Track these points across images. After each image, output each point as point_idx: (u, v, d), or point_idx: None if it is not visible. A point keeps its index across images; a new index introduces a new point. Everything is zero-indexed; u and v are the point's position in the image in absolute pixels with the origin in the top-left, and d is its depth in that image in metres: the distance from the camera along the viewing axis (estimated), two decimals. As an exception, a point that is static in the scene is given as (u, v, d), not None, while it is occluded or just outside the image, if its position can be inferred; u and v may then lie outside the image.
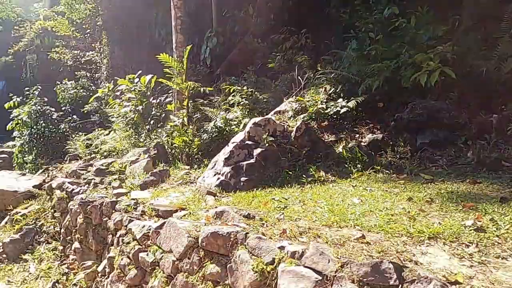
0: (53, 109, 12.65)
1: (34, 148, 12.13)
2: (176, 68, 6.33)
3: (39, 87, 13.21)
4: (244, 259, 2.38)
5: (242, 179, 4.44)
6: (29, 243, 5.81)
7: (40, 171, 9.43)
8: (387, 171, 4.22)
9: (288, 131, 4.82)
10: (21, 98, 12.65)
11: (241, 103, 7.03)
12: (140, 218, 3.81)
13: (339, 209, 3.08)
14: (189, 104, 6.60)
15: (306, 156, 4.65)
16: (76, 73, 24.17)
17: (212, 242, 2.60)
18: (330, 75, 6.06)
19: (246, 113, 7.01)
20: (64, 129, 12.55)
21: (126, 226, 3.79)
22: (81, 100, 19.77)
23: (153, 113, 7.54)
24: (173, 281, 2.78)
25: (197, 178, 5.30)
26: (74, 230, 4.91)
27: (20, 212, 6.35)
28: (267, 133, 4.71)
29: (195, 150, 6.46)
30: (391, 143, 4.78)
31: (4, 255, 5.67)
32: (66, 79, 22.62)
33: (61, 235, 5.43)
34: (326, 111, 5.52)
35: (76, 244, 4.60)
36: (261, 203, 3.79)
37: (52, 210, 5.91)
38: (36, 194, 6.77)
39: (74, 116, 13.65)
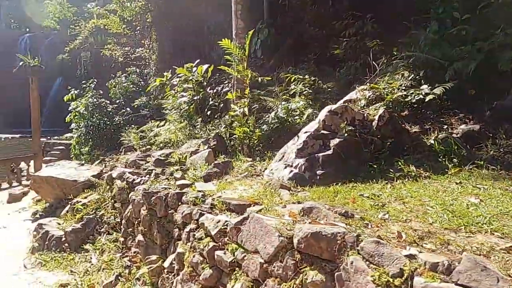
0: (108, 102, 12.81)
1: (90, 140, 12.34)
2: (237, 55, 5.96)
3: (95, 80, 13.45)
4: (359, 268, 1.91)
5: (318, 172, 3.97)
6: (90, 233, 5.70)
7: (97, 161, 9.49)
8: (493, 167, 3.57)
9: (368, 120, 4.28)
10: (78, 91, 12.92)
11: (304, 92, 6.55)
12: (211, 212, 3.44)
13: (458, 210, 2.52)
14: (249, 94, 6.21)
15: (390, 148, 4.09)
16: (126, 69, 24.69)
17: (313, 244, 2.16)
18: (408, 60, 5.41)
19: (309, 103, 6.52)
20: (118, 122, 12.68)
21: (196, 220, 3.44)
22: (131, 95, 20.18)
23: (210, 103, 7.23)
24: (262, 286, 2.36)
25: (263, 171, 4.90)
26: (136, 222, 4.68)
27: (80, 202, 6.28)
28: (345, 122, 4.20)
29: (255, 141, 6.07)
30: (490, 135, 4.10)
31: (66, 244, 5.59)
32: (121, 72, 23.05)
33: (122, 226, 5.25)
34: (407, 99, 4.90)
35: (140, 237, 4.35)
36: (347, 199, 3.30)
37: (112, 201, 5.77)
38: (96, 184, 6.68)
39: (128, 109, 13.75)
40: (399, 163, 3.81)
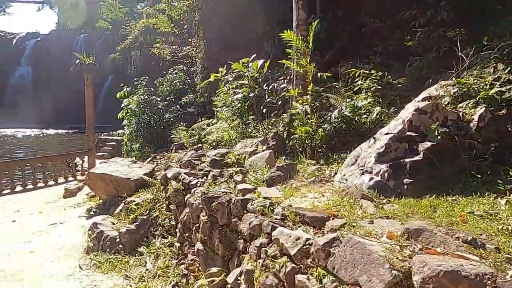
0: (158, 99, 12.78)
1: (141, 137, 12.36)
2: (300, 48, 5.45)
3: (146, 77, 13.49)
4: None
5: (406, 180, 3.38)
6: (144, 235, 5.45)
7: (149, 159, 9.38)
8: None
9: (464, 121, 3.61)
10: (130, 88, 13.01)
11: (372, 88, 5.91)
12: (285, 225, 2.97)
13: None
14: (313, 90, 5.68)
15: (494, 154, 3.41)
16: (173, 67, 24.94)
17: (447, 286, 1.61)
18: (501, 51, 4.64)
19: (377, 100, 5.88)
20: (168, 119, 12.61)
21: (268, 234, 2.99)
22: (178, 93, 20.31)
23: (267, 100, 6.78)
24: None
25: (333, 176, 4.36)
26: (194, 228, 4.33)
27: (134, 201, 6.08)
28: (436, 123, 3.56)
29: (318, 142, 5.54)
30: None
31: (121, 246, 5.38)
32: (172, 68, 23.26)
33: (177, 230, 4.93)
34: (504, 96, 4.15)
35: (199, 245, 3.99)
36: (451, 217, 2.70)
37: (167, 202, 5.49)
38: (149, 183, 6.46)
39: (177, 106, 13.66)
40: (510, 172, 3.13)
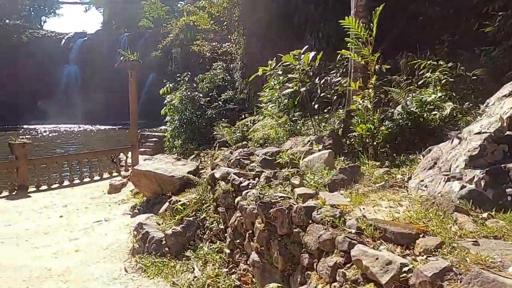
0: (200, 95, 12.56)
1: (183, 133, 12.20)
2: (362, 36, 4.88)
3: (189, 73, 13.33)
4: None
5: (509, 190, 2.76)
6: (191, 238, 5.13)
7: (192, 156, 9.13)
8: None
9: None
10: (173, 84, 12.89)
11: (443, 80, 5.22)
12: (364, 242, 2.47)
13: None
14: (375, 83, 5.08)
15: None
16: (213, 64, 24.86)
17: None
18: None
19: (451, 94, 5.19)
20: (211, 115, 12.36)
21: (344, 252, 2.50)
22: (217, 90, 20.13)
23: (322, 94, 6.25)
24: None
25: (406, 181, 3.78)
26: (247, 235, 3.92)
27: (180, 201, 5.78)
28: (547, 120, 2.91)
29: (381, 141, 4.95)
30: None
31: (167, 248, 5.09)
32: (212, 65, 23.15)
33: (227, 235, 4.55)
34: None
35: (254, 256, 3.57)
36: None
37: (215, 204, 5.12)
38: (195, 182, 6.14)
39: (220, 102, 13.39)
40: None
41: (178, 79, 12.85)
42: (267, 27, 19.27)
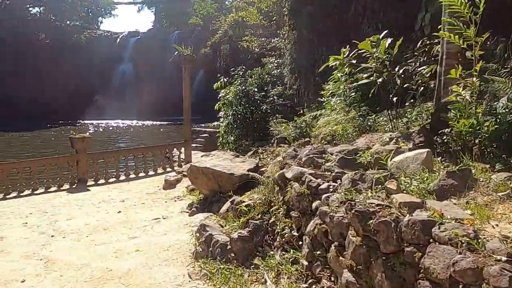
0: (255, 90, 12.09)
1: (236, 129, 11.81)
2: (465, 14, 4.07)
3: (243, 67, 12.92)
4: None
5: None
6: (259, 243, 4.62)
7: (250, 153, 8.67)
8: None
9: None
10: (228, 79, 12.55)
11: None
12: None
13: None
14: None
15: None
16: (262, 59, 24.41)
17: None
18: None
19: None
20: (265, 111, 11.86)
21: (502, 289, 1.83)
22: (267, 85, 19.62)
23: (403, 86, 5.47)
24: None
25: (541, 190, 2.99)
26: (333, 247, 3.32)
27: (243, 202, 5.30)
28: None
29: (485, 140, 4.13)
30: None
31: (232, 254, 4.62)
32: (260, 61, 22.85)
33: (303, 244, 3.98)
34: None
35: (348, 275, 2.97)
36: None
37: (285, 207, 4.58)
38: (260, 181, 5.62)
39: (275, 97, 12.85)
40: None
41: (232, 73, 12.48)
42: (320, 20, 18.46)
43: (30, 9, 45.09)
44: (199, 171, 7.50)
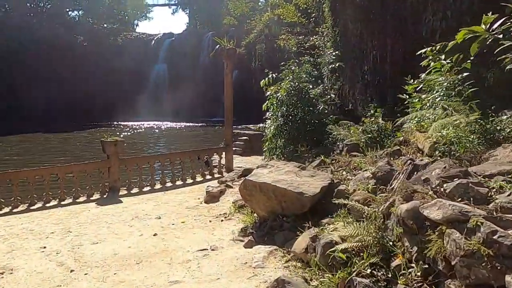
0: (310, 86, 10.25)
1: (288, 132, 10.01)
2: None
3: (297, 60, 11.14)
4: None
5: None
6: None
7: (315, 163, 6.83)
8: None
9: None
10: (276, 74, 10.80)
11: None
12: None
13: None
14: None
15: None
16: (299, 58, 22.62)
17: None
18: None
19: None
20: (322, 111, 10.01)
21: None
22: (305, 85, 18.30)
23: None
24: None
25: None
26: None
27: (338, 244, 3.50)
28: None
29: None
30: None
31: None
32: (298, 60, 21.43)
33: None
34: None
35: None
36: None
37: (424, 265, 2.75)
38: (363, 213, 3.79)
39: (332, 95, 10.95)
40: None
41: (282, 68, 10.74)
42: (371, 12, 16.35)
43: (69, 12, 45.36)
44: (256, 187, 5.76)
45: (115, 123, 37.60)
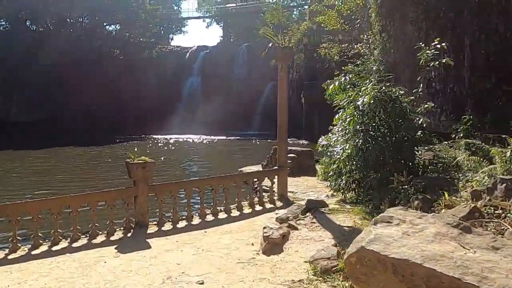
0: (402, 91, 7.52)
1: (367, 152, 7.30)
2: None
3: (382, 59, 8.50)
4: None
5: None
6: None
7: (462, 213, 4.09)
8: None
9: None
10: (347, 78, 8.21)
11: None
12: None
13: None
14: None
15: None
16: (342, 67, 20.01)
17: None
18: None
19: None
20: (418, 125, 7.23)
21: None
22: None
23: None
24: None
25: None
26: None
27: None
28: None
29: None
30: None
31: None
32: (341, 70, 18.95)
33: None
34: None
35: None
36: None
37: None
38: None
39: (431, 104, 8.14)
40: None
41: (359, 68, 8.11)
42: (439, 7, 13.57)
43: (107, 27, 45.01)
44: (384, 265, 3.08)
45: (148, 136, 36.09)
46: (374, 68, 15.60)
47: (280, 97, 9.31)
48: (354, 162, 7.47)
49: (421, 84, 7.58)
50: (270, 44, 9.17)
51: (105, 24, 43.93)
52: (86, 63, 37.37)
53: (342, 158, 7.51)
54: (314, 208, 7.41)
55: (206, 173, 18.46)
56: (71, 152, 26.22)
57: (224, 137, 34.97)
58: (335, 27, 28.21)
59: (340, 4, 26.38)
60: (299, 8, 44.84)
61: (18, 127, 33.31)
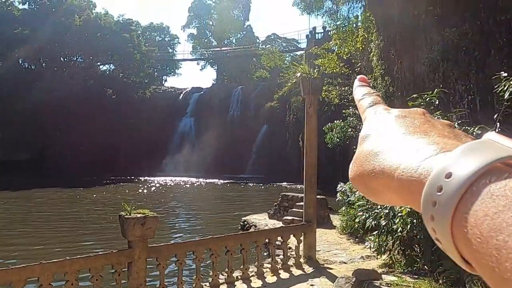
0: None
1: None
2: None
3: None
4: None
5: None
6: None
7: None
8: None
9: None
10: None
11: None
12: None
13: None
14: None
15: None
16: (343, 111, 19.12)
17: None
18: None
19: None
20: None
21: None
22: (349, 141, 14.83)
23: None
24: None
25: None
26: None
27: None
28: None
29: None
30: None
31: None
32: (348, 112, 18.04)
33: None
34: None
35: None
36: None
37: None
38: None
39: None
40: None
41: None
42: (460, 46, 12.50)
43: (101, 66, 44.12)
44: None
45: (138, 178, 33.79)
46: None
47: (308, 138, 7.75)
48: (415, 220, 5.79)
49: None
50: (298, 74, 7.77)
51: (99, 63, 43.04)
52: (77, 102, 35.81)
53: (398, 214, 5.81)
54: (367, 281, 5.58)
55: (204, 224, 16.37)
56: (52, 195, 23.71)
57: (216, 180, 33.03)
58: (335, 70, 27.72)
59: (344, 47, 26.02)
60: (295, 53, 45.07)
61: (3, 165, 30.75)
